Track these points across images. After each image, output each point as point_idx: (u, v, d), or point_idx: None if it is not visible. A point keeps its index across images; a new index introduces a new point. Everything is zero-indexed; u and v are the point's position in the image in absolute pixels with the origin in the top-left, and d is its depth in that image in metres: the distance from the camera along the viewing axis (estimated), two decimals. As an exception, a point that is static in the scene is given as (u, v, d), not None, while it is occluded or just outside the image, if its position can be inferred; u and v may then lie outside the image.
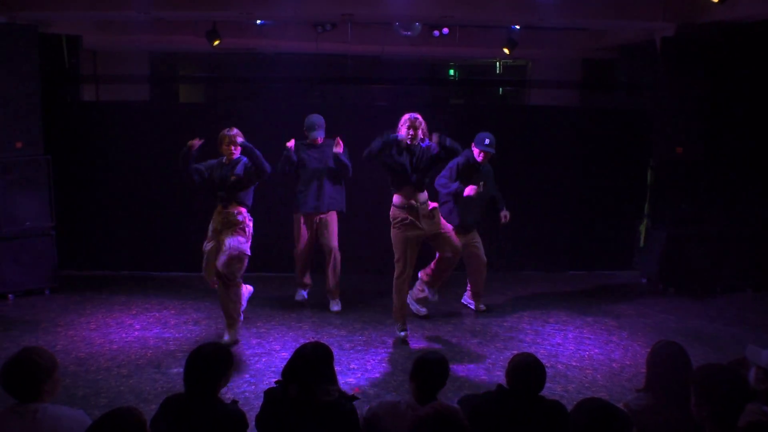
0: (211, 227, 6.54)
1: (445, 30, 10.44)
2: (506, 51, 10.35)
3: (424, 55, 12.43)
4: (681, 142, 8.49)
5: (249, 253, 6.42)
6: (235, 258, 6.28)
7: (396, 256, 6.52)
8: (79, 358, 6.19)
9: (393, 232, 6.48)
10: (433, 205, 6.53)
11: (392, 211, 6.49)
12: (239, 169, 6.46)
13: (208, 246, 6.48)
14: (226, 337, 6.49)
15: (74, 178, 8.83)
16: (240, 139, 6.47)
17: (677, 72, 8.40)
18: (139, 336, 6.80)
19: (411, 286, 6.95)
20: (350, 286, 8.24)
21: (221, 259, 6.27)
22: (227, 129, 6.55)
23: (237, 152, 6.51)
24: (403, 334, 6.65)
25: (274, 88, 11.60)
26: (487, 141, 7.20)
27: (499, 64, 13.52)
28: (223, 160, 6.57)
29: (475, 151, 7.26)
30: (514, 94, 13.85)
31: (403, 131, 6.39)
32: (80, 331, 6.87)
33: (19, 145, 7.77)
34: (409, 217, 6.39)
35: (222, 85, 13.48)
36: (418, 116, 6.45)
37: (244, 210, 6.49)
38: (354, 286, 8.43)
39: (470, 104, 12.98)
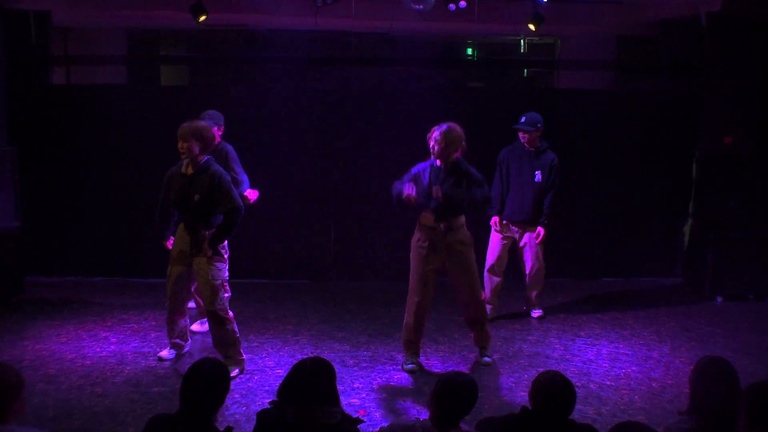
0: (176, 248, 6.27)
1: (462, 3, 10.41)
2: (532, 27, 10.30)
3: (438, 32, 12.41)
4: (730, 130, 8.48)
5: (228, 277, 6.31)
6: (218, 289, 6.09)
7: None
8: (48, 374, 6.22)
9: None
10: None
11: None
12: (202, 186, 6.00)
13: (174, 270, 6.24)
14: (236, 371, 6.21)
15: (42, 172, 8.88)
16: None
17: (725, 51, 8.40)
18: (116, 350, 6.83)
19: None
20: (355, 295, 8.27)
21: (204, 295, 6.13)
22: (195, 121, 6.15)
23: (196, 149, 6.00)
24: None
25: (267, 69, 11.60)
26: (522, 119, 7.62)
27: (524, 43, 13.48)
28: (182, 167, 6.17)
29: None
30: (541, 76, 13.83)
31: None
32: (49, 345, 6.91)
33: (-20, 134, 7.83)
34: None
35: (208, 67, 13.47)
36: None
37: (212, 230, 6.14)
38: (359, 294, 8.47)
39: (491, 88, 12.96)
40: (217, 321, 6.11)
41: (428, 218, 6.26)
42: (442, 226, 6.23)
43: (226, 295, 6.23)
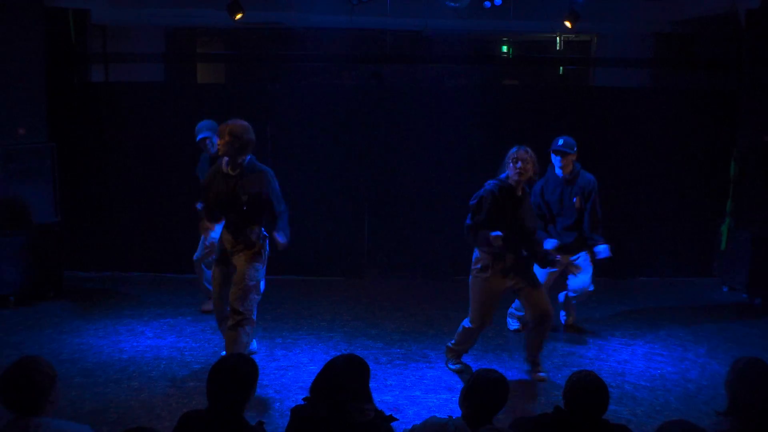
0: (219, 248, 6.11)
1: (498, 0, 10.38)
2: (568, 24, 10.24)
3: (473, 30, 12.35)
4: (770, 128, 8.38)
5: (264, 275, 6.14)
6: (250, 290, 5.90)
7: None
8: (85, 368, 6.31)
9: None
10: None
11: None
12: (252, 187, 5.86)
13: (217, 272, 6.10)
14: None
15: (81, 168, 8.99)
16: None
17: (764, 48, 8.27)
18: (152, 345, 6.91)
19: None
20: (389, 292, 8.26)
21: (236, 292, 5.87)
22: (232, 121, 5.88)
23: (233, 146, 5.80)
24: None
25: (302, 67, 11.65)
26: (560, 141, 6.85)
27: (560, 40, 13.38)
28: (224, 166, 5.91)
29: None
30: (577, 74, 13.72)
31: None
32: (87, 339, 7.00)
33: (21, 131, 7.92)
34: None
35: (245, 64, 13.56)
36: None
37: (257, 228, 5.98)
38: (393, 292, 8.47)
39: (526, 85, 12.89)
40: (238, 321, 5.84)
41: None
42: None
43: (257, 297, 6.01)
